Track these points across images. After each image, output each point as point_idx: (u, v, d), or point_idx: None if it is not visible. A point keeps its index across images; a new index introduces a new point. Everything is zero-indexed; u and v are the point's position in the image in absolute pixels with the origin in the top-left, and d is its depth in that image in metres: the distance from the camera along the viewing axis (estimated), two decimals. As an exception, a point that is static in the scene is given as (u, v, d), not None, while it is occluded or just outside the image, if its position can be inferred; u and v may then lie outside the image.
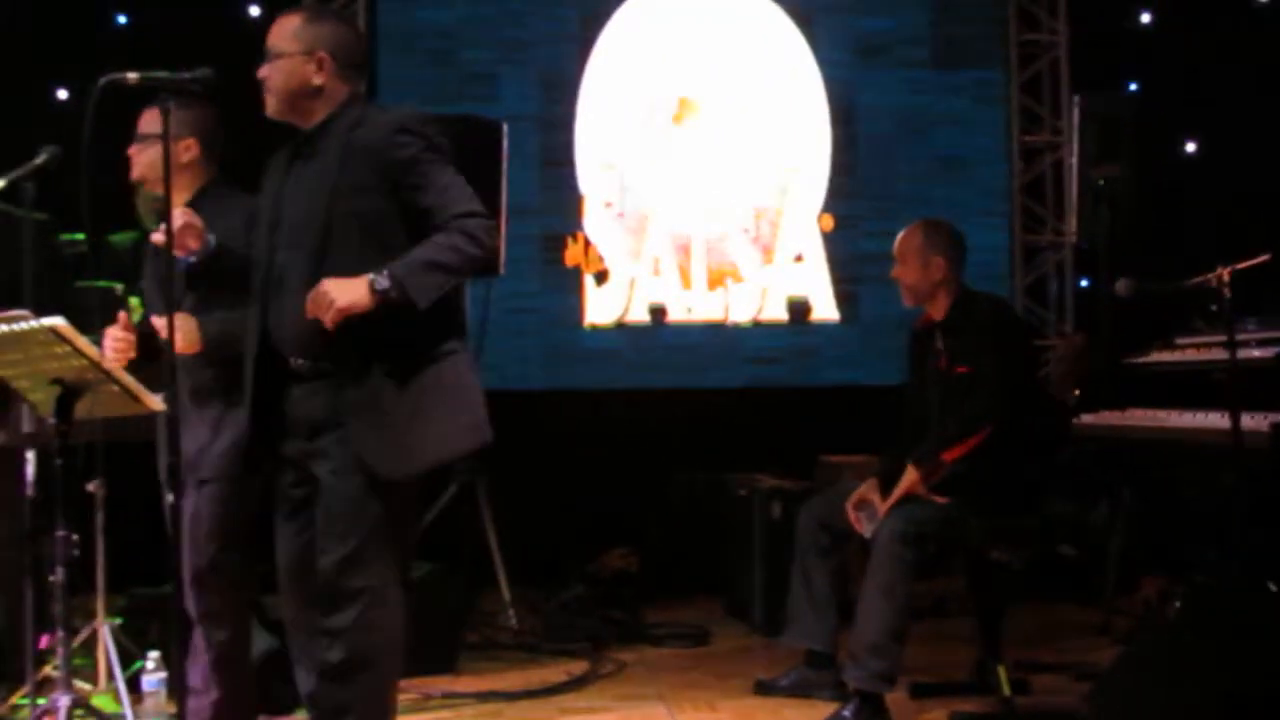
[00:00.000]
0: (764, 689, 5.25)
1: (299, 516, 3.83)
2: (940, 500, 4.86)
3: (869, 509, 4.98)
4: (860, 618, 4.75)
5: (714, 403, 7.56)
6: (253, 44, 4.01)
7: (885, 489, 4.98)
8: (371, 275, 3.57)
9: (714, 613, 6.58)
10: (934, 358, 5.16)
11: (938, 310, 5.17)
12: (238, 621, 4.39)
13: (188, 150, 4.49)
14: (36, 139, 4.37)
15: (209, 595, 4.32)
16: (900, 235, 5.23)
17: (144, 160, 4.50)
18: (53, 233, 5.54)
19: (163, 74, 3.80)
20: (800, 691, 5.16)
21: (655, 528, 7.07)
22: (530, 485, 6.93)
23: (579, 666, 5.67)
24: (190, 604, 4.45)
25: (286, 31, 3.83)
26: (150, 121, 4.47)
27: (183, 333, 4.05)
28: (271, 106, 3.85)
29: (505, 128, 6.75)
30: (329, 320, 3.56)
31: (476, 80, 7.77)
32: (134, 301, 5.22)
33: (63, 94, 7.61)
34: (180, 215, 3.85)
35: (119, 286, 5.62)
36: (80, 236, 5.91)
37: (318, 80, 3.79)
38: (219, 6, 7.65)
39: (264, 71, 3.84)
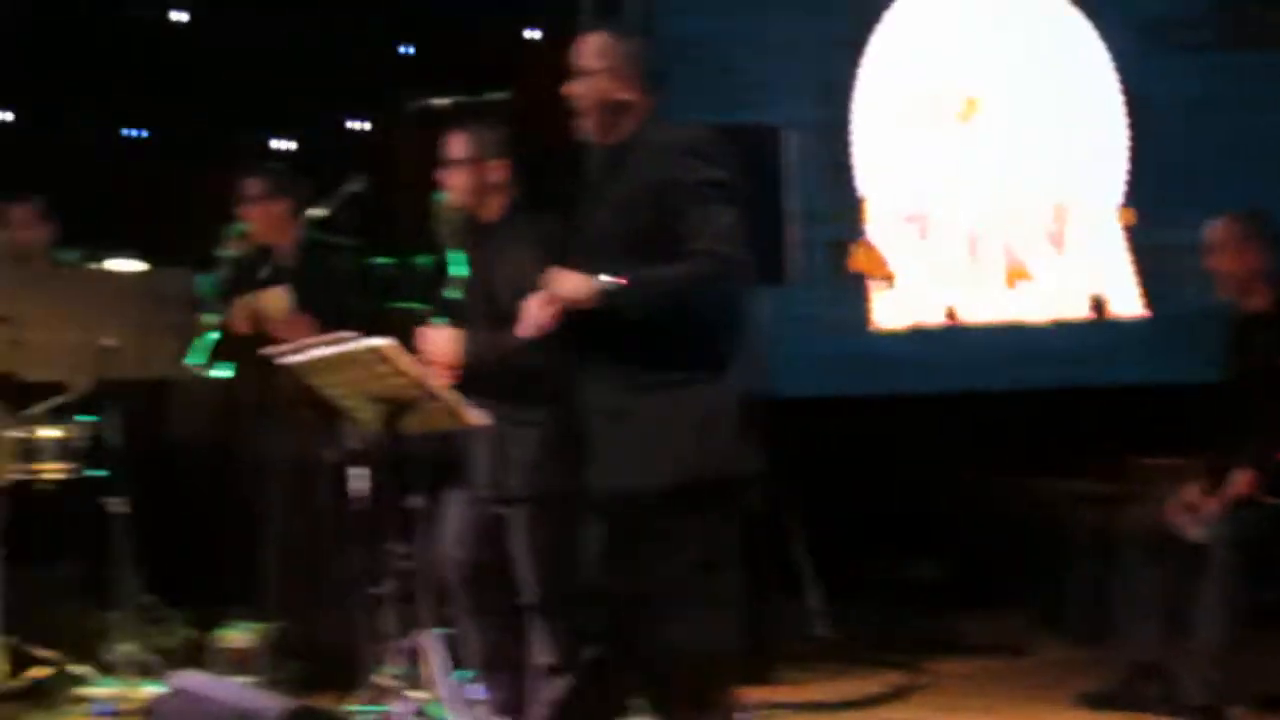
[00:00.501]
0: (1091, 702, 5.08)
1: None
2: (1275, 502, 4.68)
3: (1196, 513, 4.81)
4: (1196, 627, 4.59)
5: (1012, 405, 7.38)
6: (533, 66, 4.09)
7: (1212, 491, 4.82)
8: (602, 276, 3.64)
9: (1027, 623, 6.41)
10: (1255, 352, 4.98)
11: (1257, 302, 5.00)
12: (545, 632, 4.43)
13: (500, 171, 4.59)
14: (328, 168, 4.54)
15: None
16: (1217, 225, 5.09)
17: (459, 184, 4.60)
18: (362, 257, 5.75)
19: (468, 98, 3.91)
20: (1128, 705, 4.98)
21: (963, 535, 6.93)
22: (834, 493, 6.87)
23: (894, 678, 5.59)
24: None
25: (593, 49, 3.90)
26: (462, 145, 4.58)
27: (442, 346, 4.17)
28: (581, 123, 3.91)
29: (786, 134, 6.74)
30: (544, 307, 3.66)
31: (751, 88, 7.75)
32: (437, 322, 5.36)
33: (354, 124, 7.87)
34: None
35: (423, 307, 5.78)
36: (388, 260, 6.12)
37: (624, 95, 3.84)
38: (499, 31, 7.80)
39: (574, 89, 3.89)
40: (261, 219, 5.63)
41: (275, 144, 7.87)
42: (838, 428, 7.27)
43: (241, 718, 3.80)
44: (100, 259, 6.19)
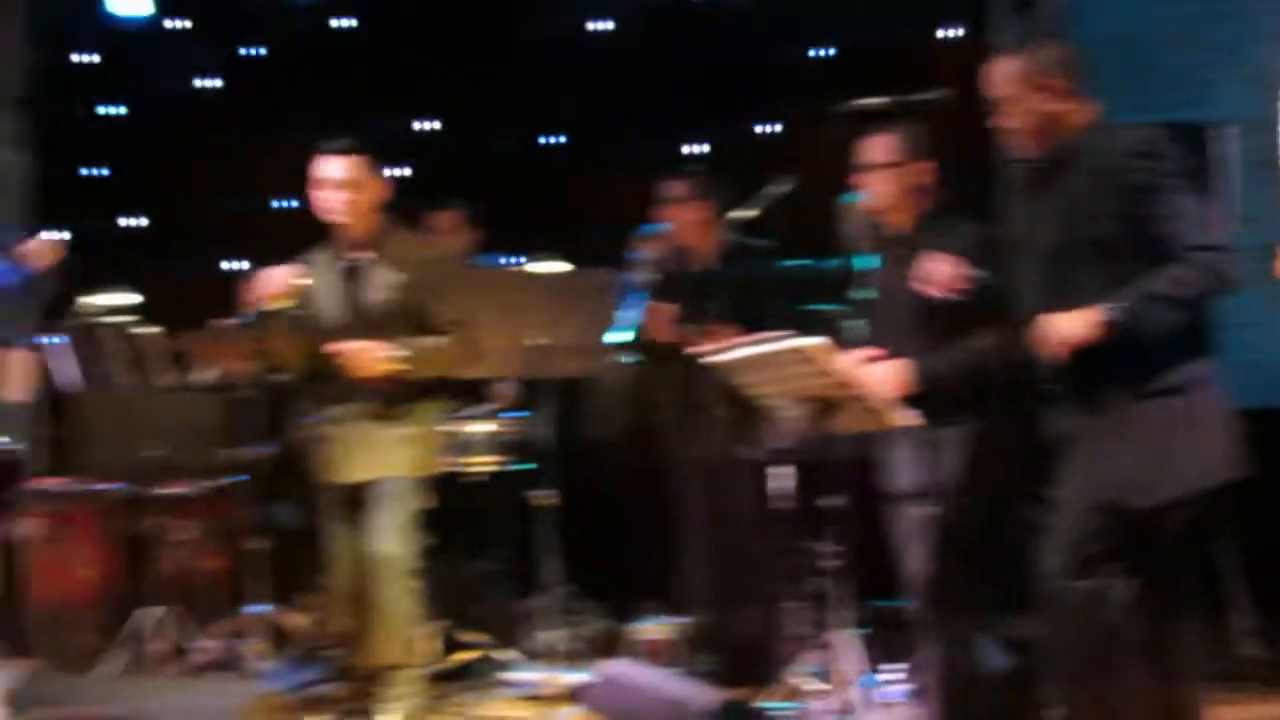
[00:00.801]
0: None
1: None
2: None
3: None
4: None
5: None
6: (949, 67, 4.04)
7: None
8: (1100, 306, 3.59)
9: None
10: None
11: None
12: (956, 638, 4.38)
13: (925, 173, 4.54)
14: (738, 172, 4.57)
15: (932, 610, 4.37)
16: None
17: (879, 188, 4.57)
18: (779, 259, 5.80)
19: (901, 97, 3.90)
20: None
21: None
22: (1266, 506, 6.54)
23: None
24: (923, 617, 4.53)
25: (1002, 78, 3.86)
26: (884, 148, 4.54)
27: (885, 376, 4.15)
28: (1027, 145, 3.88)
29: (1219, 133, 6.47)
30: (1055, 353, 3.64)
31: (1182, 84, 7.46)
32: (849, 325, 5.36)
33: (763, 128, 7.95)
34: None
35: (836, 308, 5.80)
36: (800, 262, 6.15)
37: (1055, 106, 3.77)
38: (914, 33, 7.75)
39: (1008, 120, 3.85)
40: (683, 221, 5.73)
41: (686, 149, 8.03)
42: (1269, 440, 6.92)
43: (673, 707, 3.88)
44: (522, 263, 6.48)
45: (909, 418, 4.16)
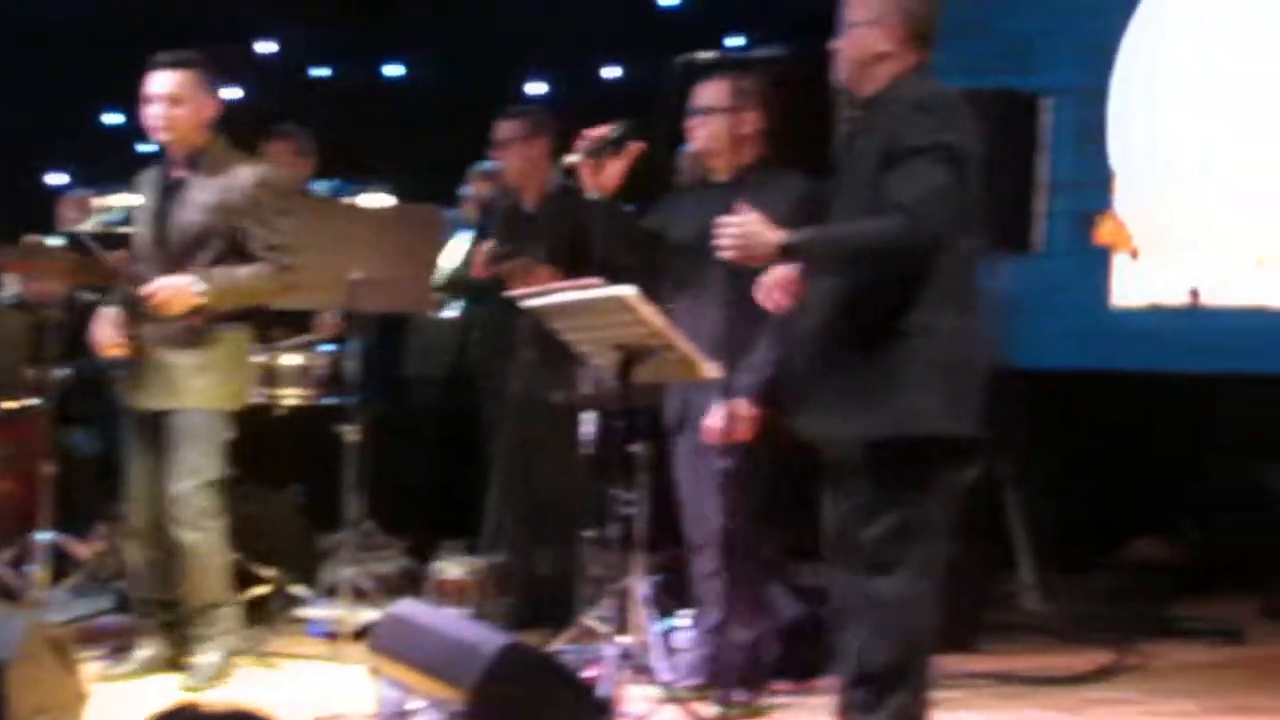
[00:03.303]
0: (1307, 698, 4.96)
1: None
2: None
3: None
4: None
5: (1254, 390, 7.13)
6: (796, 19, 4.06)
7: None
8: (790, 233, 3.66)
9: (1250, 612, 6.21)
10: None
11: None
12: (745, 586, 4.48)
13: (751, 123, 4.59)
14: (589, 117, 4.57)
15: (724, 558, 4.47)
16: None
17: (706, 133, 4.61)
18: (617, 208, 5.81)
19: (736, 53, 3.90)
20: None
21: (1188, 518, 6.76)
22: (1058, 467, 6.77)
23: (1103, 656, 5.49)
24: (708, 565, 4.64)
25: (860, 2, 3.87)
26: (715, 94, 4.58)
27: None
28: (840, 73, 3.90)
29: (1045, 102, 6.60)
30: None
31: (1013, 51, 7.60)
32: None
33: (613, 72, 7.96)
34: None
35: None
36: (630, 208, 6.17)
37: (883, 47, 3.81)
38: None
39: (839, 43, 3.88)
40: (515, 160, 5.70)
41: (530, 88, 8.02)
42: (1071, 403, 7.16)
43: (458, 648, 3.91)
44: (354, 193, 6.42)
45: (717, 369, 4.22)
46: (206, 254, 4.88)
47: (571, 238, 5.21)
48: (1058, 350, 7.47)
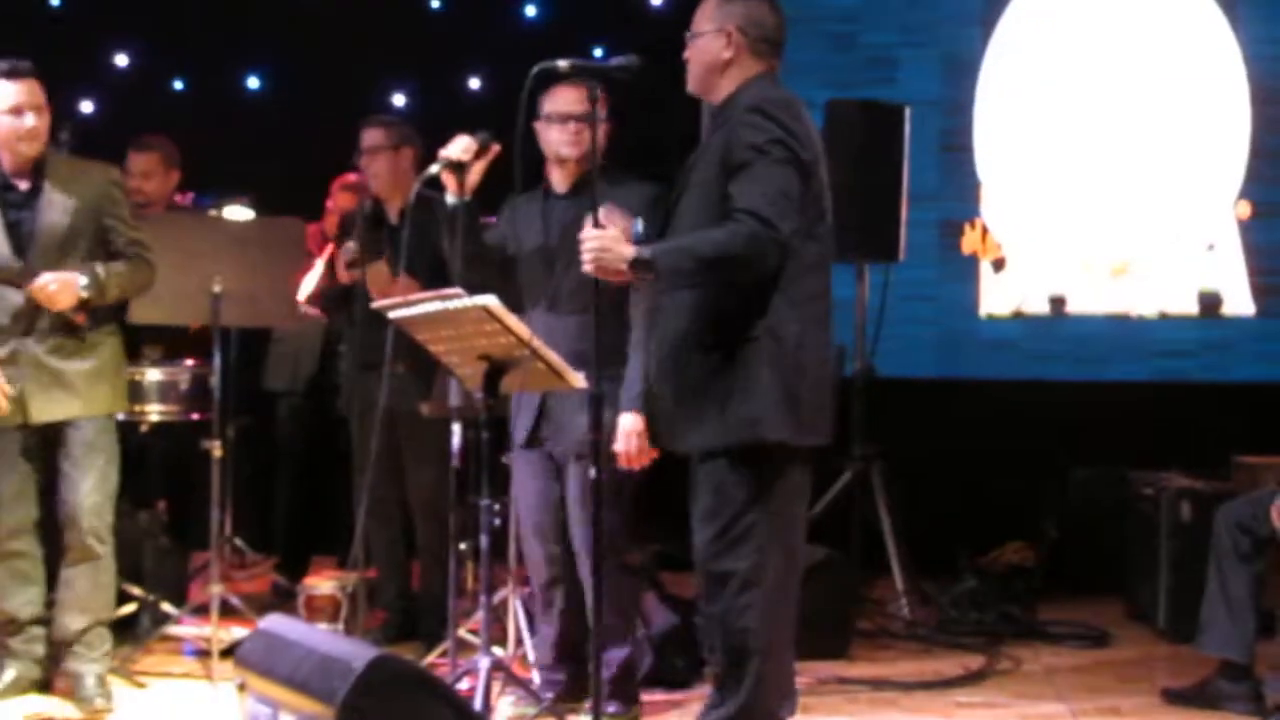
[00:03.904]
0: (1173, 698, 5.03)
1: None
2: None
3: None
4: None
5: (1116, 397, 7.27)
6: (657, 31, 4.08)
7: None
8: (640, 246, 3.66)
9: (1114, 614, 6.33)
10: None
11: None
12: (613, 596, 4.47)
13: (605, 132, 4.56)
14: (450, 127, 4.53)
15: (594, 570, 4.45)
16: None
17: (569, 138, 4.60)
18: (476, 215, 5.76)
19: (593, 62, 3.92)
20: (1212, 703, 4.93)
21: (1052, 523, 6.85)
22: (925, 474, 6.84)
23: (973, 661, 5.58)
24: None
25: (704, 12, 3.90)
26: (575, 100, 4.57)
27: None
28: (690, 83, 3.94)
29: (907, 112, 6.69)
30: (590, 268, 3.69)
31: (877, 64, 7.69)
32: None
33: (474, 83, 7.91)
34: None
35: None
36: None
37: (726, 54, 3.83)
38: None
39: (687, 53, 3.90)
40: (385, 169, 5.64)
41: (394, 99, 7.94)
42: (938, 410, 7.23)
43: (326, 663, 3.83)
44: (218, 207, 6.31)
45: (583, 379, 4.19)
46: (74, 256, 4.79)
47: (432, 248, 5.16)
48: (924, 358, 7.57)
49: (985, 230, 7.60)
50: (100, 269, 4.80)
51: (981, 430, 7.16)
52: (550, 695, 4.62)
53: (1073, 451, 7.03)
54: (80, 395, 4.81)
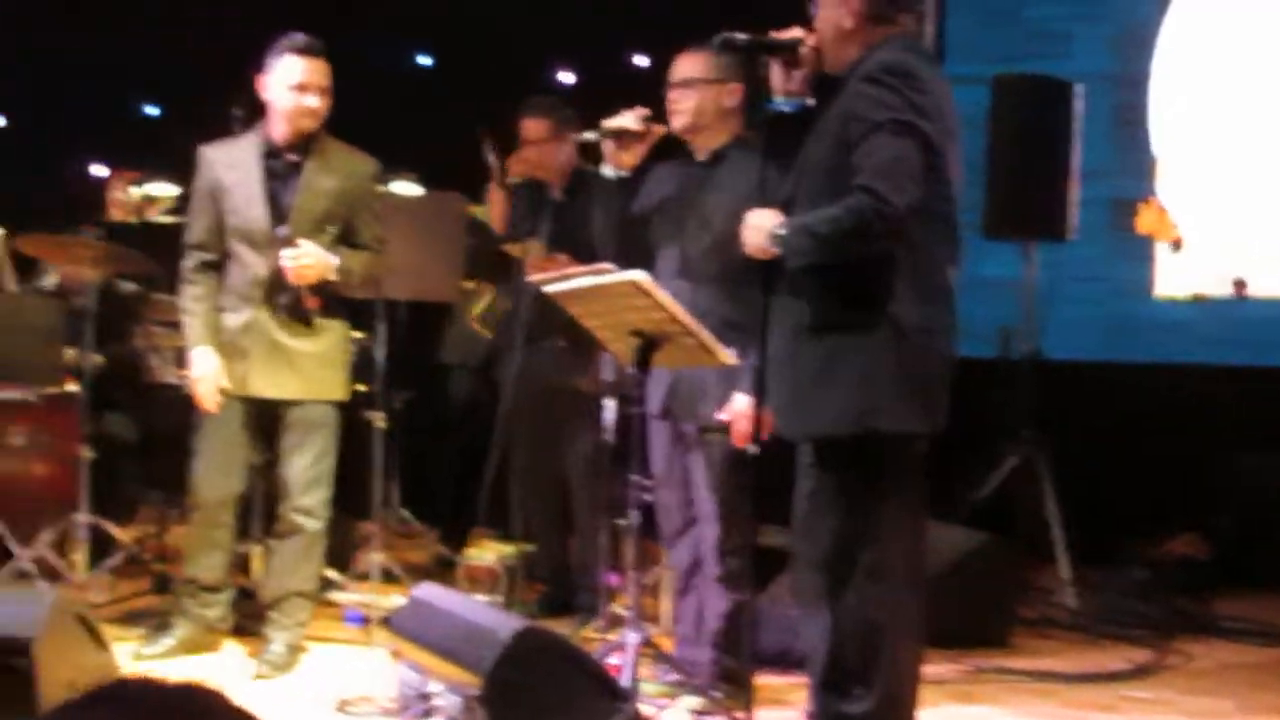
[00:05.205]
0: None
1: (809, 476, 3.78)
2: None
3: None
4: None
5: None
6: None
7: None
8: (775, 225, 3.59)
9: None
10: None
11: None
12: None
13: (733, 95, 4.48)
14: (614, 104, 4.51)
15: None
16: None
17: (688, 106, 4.50)
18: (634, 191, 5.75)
19: (766, 38, 3.83)
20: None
21: (1226, 513, 6.63)
22: (1093, 460, 6.66)
23: (1140, 654, 5.40)
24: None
25: None
26: (695, 65, 4.49)
27: None
28: (824, 61, 3.82)
29: (1078, 88, 6.51)
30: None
31: (1046, 38, 7.50)
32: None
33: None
34: None
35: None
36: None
37: (848, 23, 3.72)
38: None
39: (815, 27, 3.81)
40: (540, 149, 5.65)
41: (560, 77, 7.97)
42: (1107, 395, 7.04)
43: (473, 633, 3.87)
44: (384, 182, 6.38)
45: (732, 356, 4.16)
46: (324, 238, 4.85)
47: (589, 224, 5.16)
48: (1092, 340, 7.37)
49: (1162, 209, 7.37)
50: (349, 256, 4.86)
51: (1154, 416, 6.93)
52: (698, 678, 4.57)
53: (1250, 440, 6.79)
54: (305, 377, 4.86)
